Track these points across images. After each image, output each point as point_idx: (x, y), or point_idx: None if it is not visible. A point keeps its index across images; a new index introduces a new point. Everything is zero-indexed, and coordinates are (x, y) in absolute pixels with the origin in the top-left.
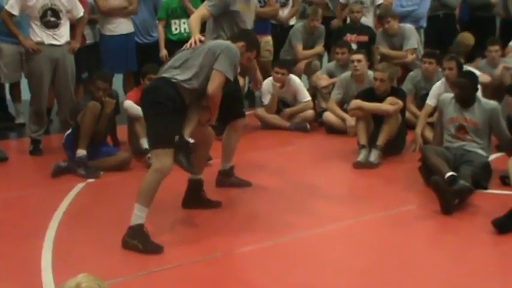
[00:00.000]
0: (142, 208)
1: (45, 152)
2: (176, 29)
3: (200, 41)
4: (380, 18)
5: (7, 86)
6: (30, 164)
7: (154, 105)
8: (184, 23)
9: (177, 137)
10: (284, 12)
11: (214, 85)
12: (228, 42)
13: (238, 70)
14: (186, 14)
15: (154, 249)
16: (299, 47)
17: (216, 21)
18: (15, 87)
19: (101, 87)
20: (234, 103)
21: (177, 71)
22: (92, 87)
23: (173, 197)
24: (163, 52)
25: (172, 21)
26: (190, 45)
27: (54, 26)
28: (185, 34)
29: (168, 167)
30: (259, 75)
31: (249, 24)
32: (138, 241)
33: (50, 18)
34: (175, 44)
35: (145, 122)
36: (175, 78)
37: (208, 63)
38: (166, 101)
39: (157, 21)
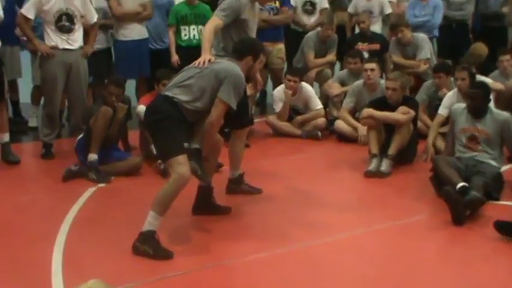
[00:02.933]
0: (156, 216)
1: (57, 156)
2: (185, 35)
3: (209, 61)
4: (393, 28)
5: (27, 88)
6: (42, 168)
7: (156, 123)
8: (193, 29)
9: (186, 144)
10: (310, 20)
11: (215, 114)
12: (234, 69)
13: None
14: (196, 20)
15: (165, 255)
16: (310, 55)
17: (224, 30)
18: (37, 90)
19: (113, 93)
20: (241, 111)
21: (179, 90)
22: (104, 92)
23: (183, 202)
24: (175, 58)
25: (182, 28)
26: (199, 63)
27: (68, 30)
28: (194, 40)
29: (186, 175)
30: (258, 76)
31: (254, 30)
32: (149, 246)
33: (64, 22)
34: (185, 49)
35: (151, 139)
36: (177, 98)
37: (211, 87)
38: (166, 118)
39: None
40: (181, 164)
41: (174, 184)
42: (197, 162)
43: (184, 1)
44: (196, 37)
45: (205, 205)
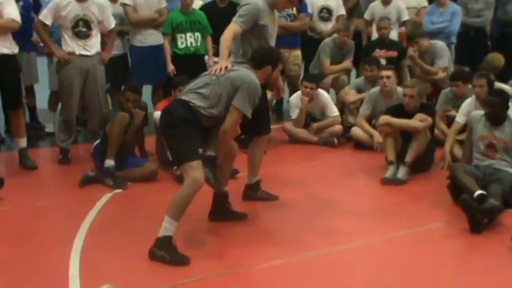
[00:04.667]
0: (172, 222)
1: (74, 162)
2: (182, 43)
3: (226, 68)
4: (409, 39)
5: (44, 94)
6: (59, 173)
7: (171, 127)
8: (190, 36)
9: (200, 150)
10: (327, 27)
11: (230, 122)
12: (250, 77)
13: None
14: (192, 27)
15: (181, 260)
16: (326, 62)
17: (244, 37)
18: (54, 96)
19: (130, 99)
20: (261, 117)
21: (195, 95)
22: (121, 98)
23: (200, 208)
24: (170, 67)
25: (178, 36)
26: (215, 70)
27: (85, 36)
28: (192, 48)
29: (199, 180)
30: (280, 82)
31: (274, 37)
32: (166, 252)
33: (81, 28)
34: (183, 58)
35: (165, 143)
36: (193, 103)
37: (227, 94)
38: (181, 122)
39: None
40: (195, 169)
41: (188, 189)
42: (210, 171)
43: (179, 9)
44: (194, 45)
45: (221, 211)
